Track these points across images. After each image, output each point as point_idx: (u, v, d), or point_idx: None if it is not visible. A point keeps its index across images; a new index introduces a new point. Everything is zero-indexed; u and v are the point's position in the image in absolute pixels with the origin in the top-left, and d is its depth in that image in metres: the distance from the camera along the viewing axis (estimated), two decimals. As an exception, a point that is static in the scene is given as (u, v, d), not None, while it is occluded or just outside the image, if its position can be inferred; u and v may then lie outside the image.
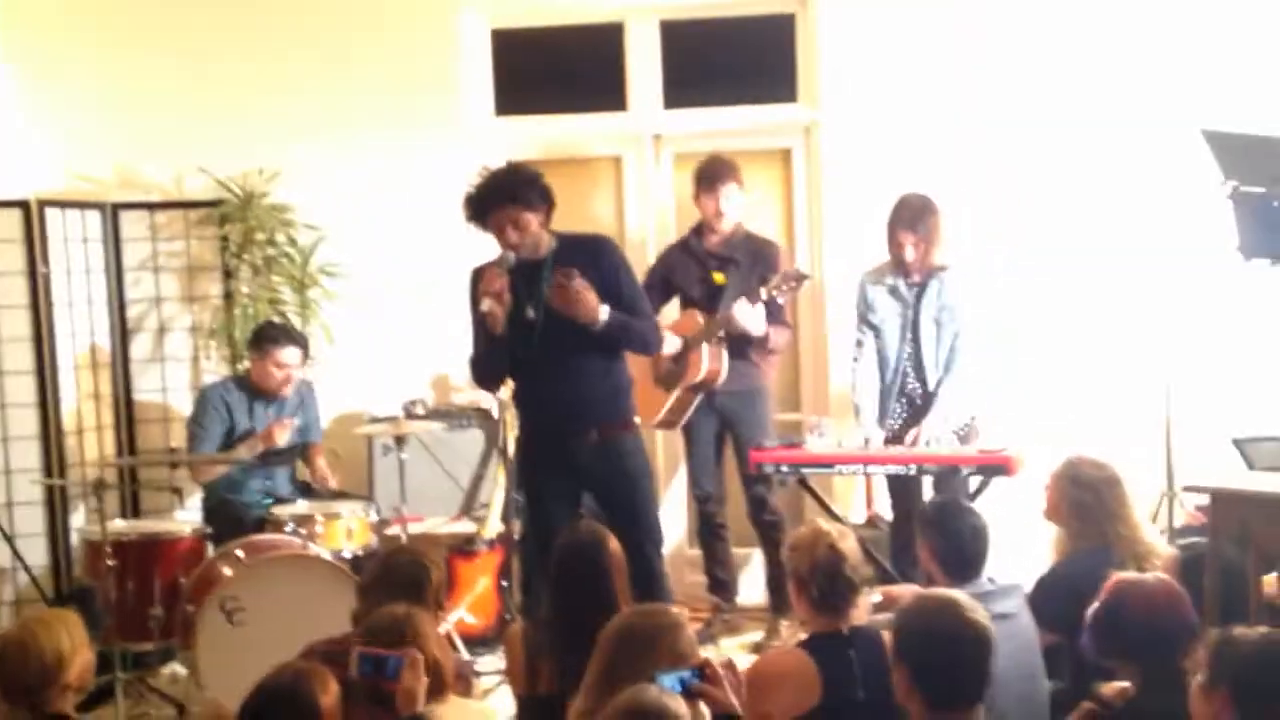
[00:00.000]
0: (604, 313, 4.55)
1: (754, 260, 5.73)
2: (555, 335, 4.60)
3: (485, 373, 4.82)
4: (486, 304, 4.52)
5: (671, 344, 5.66)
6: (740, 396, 5.73)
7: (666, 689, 2.78)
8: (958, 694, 2.99)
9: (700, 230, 5.85)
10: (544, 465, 4.79)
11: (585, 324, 4.53)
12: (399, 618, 3.29)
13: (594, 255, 4.67)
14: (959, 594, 3.16)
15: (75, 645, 3.37)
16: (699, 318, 5.72)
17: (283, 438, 5.69)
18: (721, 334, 5.62)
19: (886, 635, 3.30)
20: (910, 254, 5.37)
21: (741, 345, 5.65)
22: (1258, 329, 5.65)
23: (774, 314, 5.62)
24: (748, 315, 5.47)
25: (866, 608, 3.68)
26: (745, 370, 5.70)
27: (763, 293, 5.47)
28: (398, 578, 3.75)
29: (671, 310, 5.98)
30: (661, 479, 6.31)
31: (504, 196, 4.56)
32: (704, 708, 2.94)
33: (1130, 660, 3.48)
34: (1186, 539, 4.74)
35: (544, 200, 4.61)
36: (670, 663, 2.99)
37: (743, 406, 5.73)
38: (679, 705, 2.69)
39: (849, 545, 3.66)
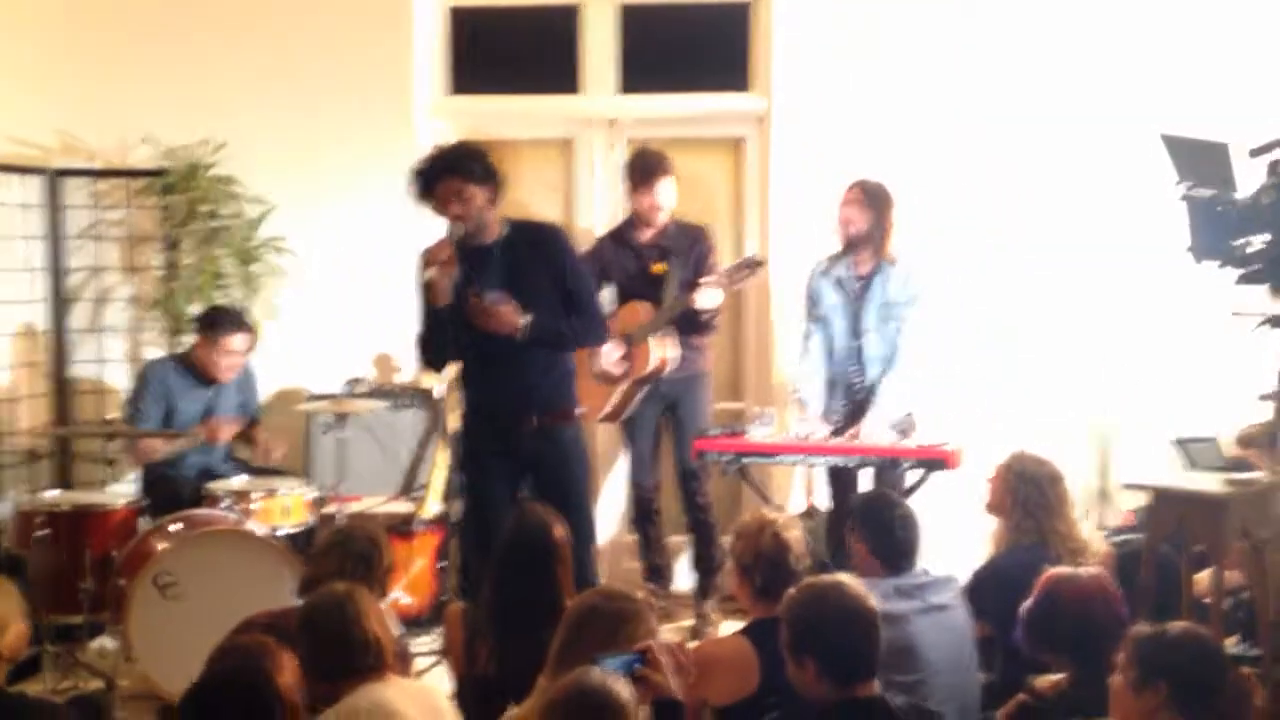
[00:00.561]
0: (524, 321, 4.55)
1: (689, 246, 5.77)
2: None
3: (431, 349, 4.76)
4: (431, 272, 4.50)
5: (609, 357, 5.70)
6: (683, 382, 5.77)
7: (610, 671, 2.78)
8: (858, 669, 3.06)
9: (633, 223, 5.85)
10: (485, 448, 4.78)
11: (507, 335, 4.53)
12: (340, 596, 3.27)
13: (542, 245, 4.69)
14: (841, 576, 3.21)
15: (8, 615, 3.32)
16: (640, 311, 5.72)
17: (226, 437, 5.65)
18: (668, 323, 5.63)
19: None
20: (855, 229, 5.39)
21: (686, 329, 5.66)
22: (1202, 330, 5.71)
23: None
24: (709, 298, 5.51)
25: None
26: (688, 356, 5.73)
27: (715, 278, 5.48)
28: (350, 550, 3.75)
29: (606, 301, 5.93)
30: (599, 466, 6.32)
31: (447, 168, 4.56)
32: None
33: (1062, 654, 3.54)
34: (1120, 537, 4.81)
35: (489, 176, 4.59)
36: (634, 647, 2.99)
37: (685, 392, 5.77)
38: (622, 688, 2.69)
39: (794, 535, 3.69)
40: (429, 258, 4.55)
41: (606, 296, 5.86)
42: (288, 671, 2.83)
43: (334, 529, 4.03)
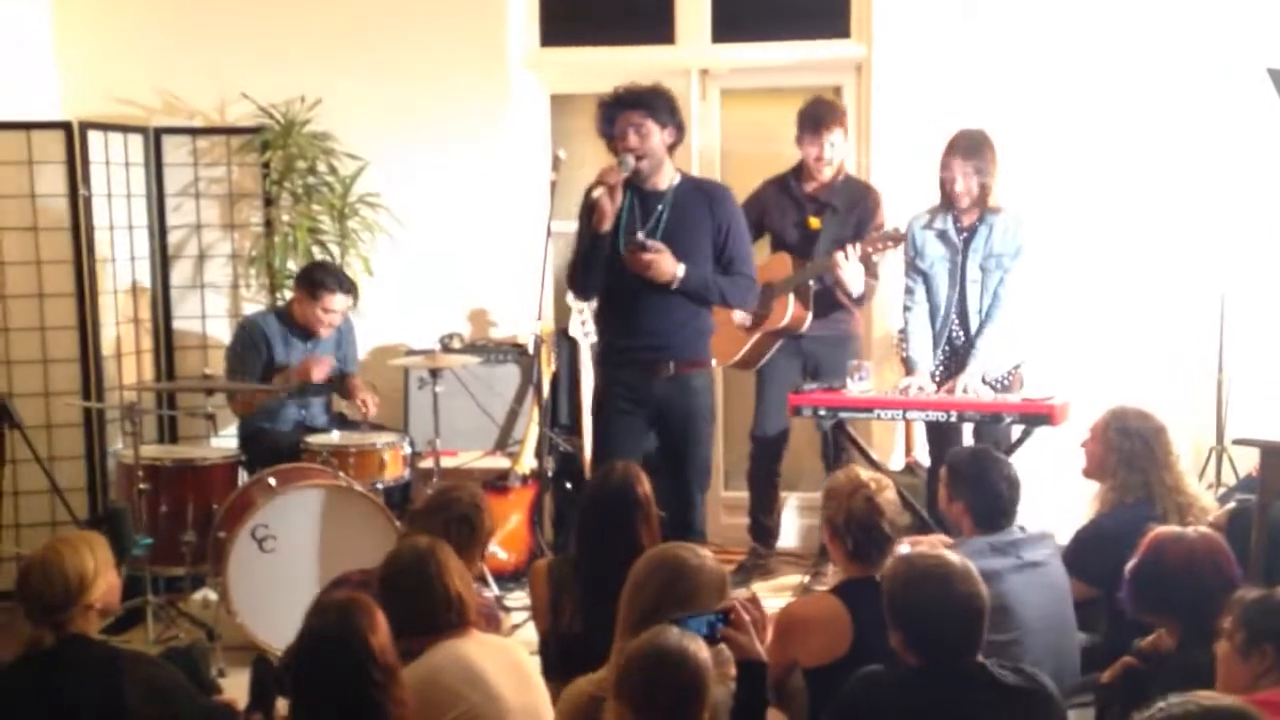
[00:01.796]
0: (680, 272, 4.63)
1: (851, 206, 5.62)
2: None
3: (581, 276, 4.83)
4: (598, 191, 4.60)
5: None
6: (828, 342, 5.63)
7: (690, 632, 2.72)
8: (952, 654, 2.94)
9: (799, 172, 5.71)
10: (619, 393, 4.83)
11: (663, 283, 4.62)
12: (422, 551, 3.26)
13: (710, 203, 4.78)
14: (951, 559, 3.06)
15: (99, 566, 3.35)
16: (789, 263, 5.60)
17: (319, 375, 5.65)
18: (812, 282, 5.52)
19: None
20: (961, 184, 5.19)
21: (832, 295, 5.55)
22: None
23: (867, 266, 5.52)
24: (851, 272, 5.39)
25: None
26: (837, 315, 5.62)
27: (856, 249, 5.35)
28: (453, 513, 3.73)
29: (760, 251, 5.82)
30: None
31: (633, 102, 4.67)
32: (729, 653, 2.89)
33: (1169, 615, 3.41)
34: (1237, 496, 4.63)
35: (671, 119, 4.69)
36: (704, 606, 2.93)
37: (830, 352, 5.61)
38: (700, 649, 2.63)
39: (886, 497, 3.58)
40: (600, 177, 4.64)
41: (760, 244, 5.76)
42: (382, 629, 2.80)
43: (436, 490, 4.02)
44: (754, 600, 3.01)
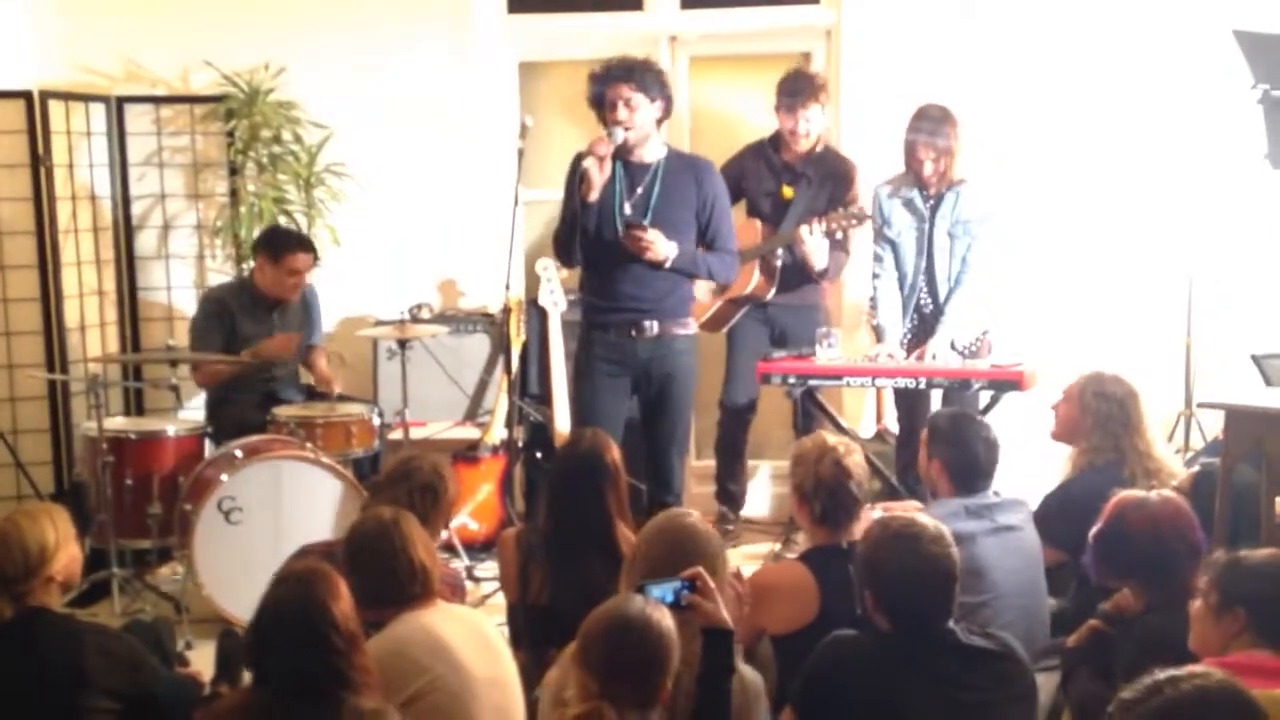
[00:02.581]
0: (671, 251, 4.71)
1: (825, 179, 5.59)
2: None
3: (566, 243, 4.87)
4: (588, 161, 4.67)
5: None
6: (795, 311, 5.62)
7: (654, 600, 2.71)
8: (924, 618, 2.95)
9: (777, 140, 5.69)
10: (601, 356, 4.88)
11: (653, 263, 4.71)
12: (384, 522, 3.23)
13: (696, 177, 4.85)
14: (923, 521, 3.07)
15: (60, 539, 3.31)
16: (759, 231, 5.59)
17: (285, 347, 5.61)
18: (780, 252, 5.50)
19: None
20: (929, 168, 5.22)
21: (801, 268, 5.54)
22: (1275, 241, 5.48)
23: (835, 240, 5.51)
24: (814, 247, 5.38)
25: (867, 522, 3.58)
26: (805, 288, 5.60)
27: (820, 224, 5.35)
28: (415, 482, 3.71)
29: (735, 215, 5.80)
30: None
31: (622, 75, 4.71)
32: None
33: (1132, 580, 3.41)
34: (1203, 460, 4.65)
35: (661, 92, 4.74)
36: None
37: (796, 321, 5.61)
38: (664, 617, 2.62)
39: (854, 460, 3.58)
40: (589, 147, 4.70)
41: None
42: (344, 598, 2.77)
43: (397, 459, 4.00)
44: (737, 575, 3.00)
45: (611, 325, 4.86)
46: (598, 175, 4.67)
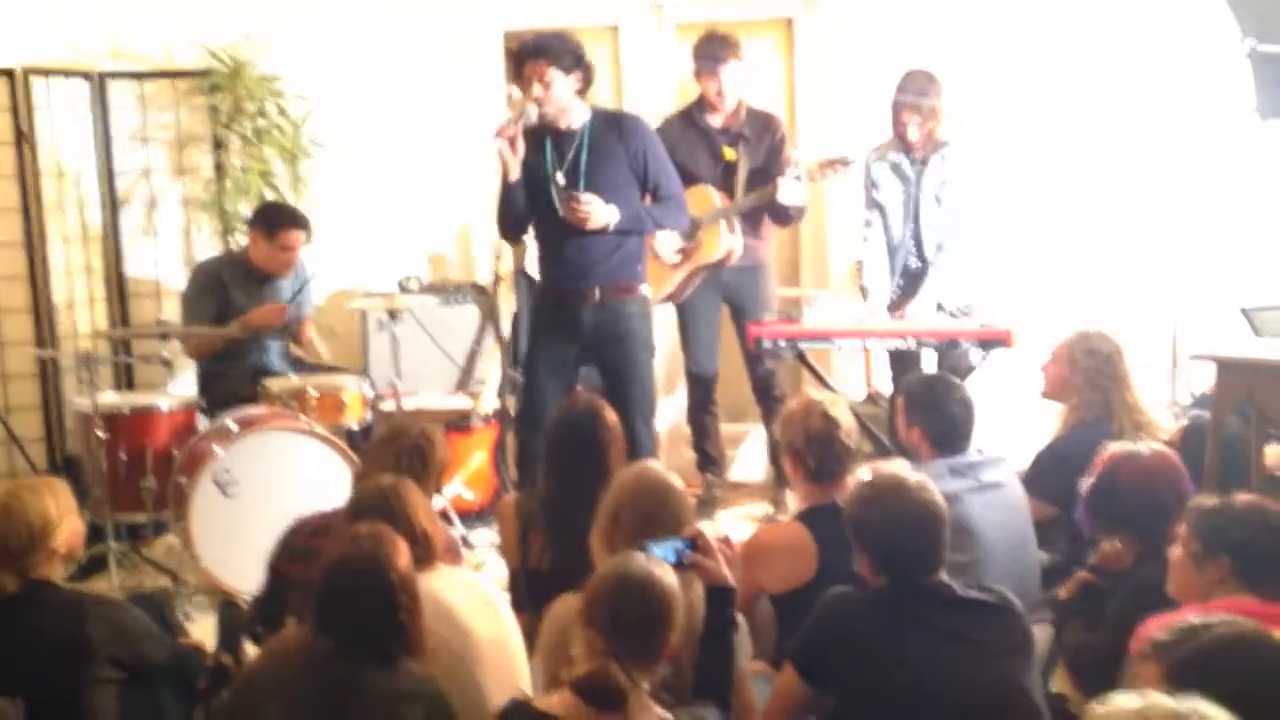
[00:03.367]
0: (612, 216, 4.71)
1: (760, 135, 5.61)
2: None
3: (501, 217, 4.93)
4: (496, 143, 4.71)
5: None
6: (747, 272, 5.64)
7: (656, 557, 2.74)
8: (916, 569, 2.98)
9: (702, 105, 5.70)
10: (547, 328, 4.93)
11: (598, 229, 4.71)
12: (385, 489, 3.25)
13: (621, 134, 4.82)
14: (906, 472, 3.11)
15: (62, 511, 3.33)
16: (713, 195, 5.57)
17: (279, 321, 5.61)
18: (741, 212, 5.50)
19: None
20: (914, 133, 5.26)
21: (762, 219, 5.56)
22: (1272, 194, 5.51)
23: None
24: (795, 194, 5.38)
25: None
26: (751, 245, 5.61)
27: (804, 175, 5.35)
28: (402, 445, 3.73)
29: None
30: (663, 353, 6.27)
31: (536, 50, 4.73)
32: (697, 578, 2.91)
33: (1124, 533, 3.46)
34: (1193, 412, 4.70)
35: (576, 65, 4.73)
36: (673, 530, 2.96)
37: (749, 282, 5.64)
38: (667, 574, 2.65)
39: (841, 412, 3.61)
40: (497, 132, 4.73)
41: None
42: (408, 560, 2.87)
43: (386, 425, 4.02)
44: (726, 540, 3.03)
45: (556, 294, 4.89)
46: (510, 155, 4.71)
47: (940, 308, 5.34)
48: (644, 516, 2.98)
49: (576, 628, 2.61)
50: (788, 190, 5.36)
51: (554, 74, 4.69)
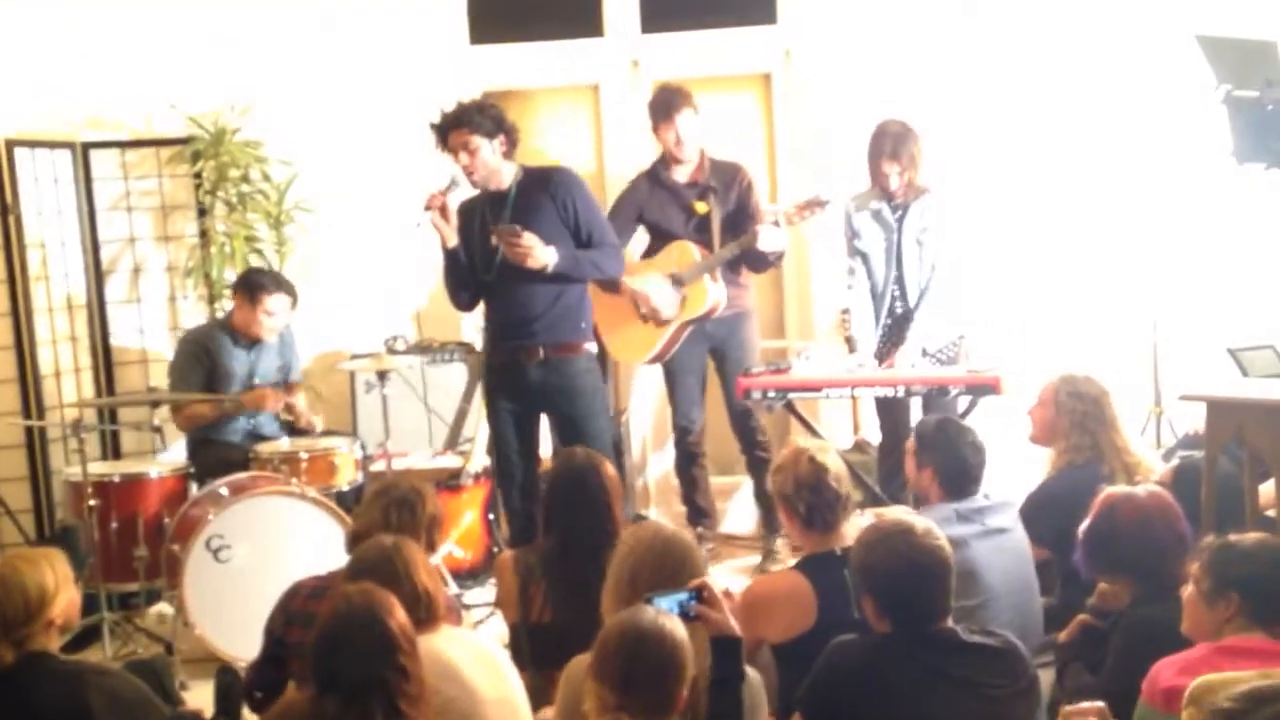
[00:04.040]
0: (551, 257, 4.75)
1: (729, 183, 5.65)
2: (511, 263, 4.79)
3: (448, 288, 5.04)
4: (428, 216, 4.85)
5: (654, 281, 5.59)
6: (728, 322, 5.66)
7: (663, 611, 2.74)
8: (924, 616, 2.99)
9: (665, 162, 5.72)
10: (499, 387, 4.99)
11: (536, 270, 4.75)
12: (387, 548, 3.25)
13: (547, 186, 4.88)
14: (913, 519, 3.13)
15: (59, 582, 3.30)
16: (691, 250, 5.60)
17: (272, 407, 5.62)
18: (724, 263, 5.53)
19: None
20: (894, 182, 5.33)
21: (743, 266, 5.60)
22: (1249, 237, 5.59)
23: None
24: (773, 240, 5.41)
25: (857, 529, 3.64)
26: (733, 294, 5.63)
27: (782, 219, 5.39)
28: (392, 497, 3.73)
29: (638, 243, 5.83)
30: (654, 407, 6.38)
31: (455, 122, 4.83)
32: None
33: (1123, 574, 3.47)
34: (1181, 453, 4.73)
35: (497, 129, 4.82)
36: (690, 575, 2.97)
37: (731, 333, 5.67)
38: (677, 627, 2.66)
39: (830, 458, 3.63)
40: (426, 203, 4.87)
41: (639, 238, 5.82)
42: (403, 613, 2.85)
43: (377, 483, 4.01)
44: (727, 593, 3.04)
45: (502, 356, 4.94)
46: (442, 223, 4.85)
47: (925, 352, 5.38)
48: (667, 577, 2.97)
49: (588, 683, 2.60)
50: (767, 237, 5.40)
51: (477, 141, 4.78)
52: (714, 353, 5.74)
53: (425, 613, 3.19)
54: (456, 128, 4.80)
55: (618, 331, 5.66)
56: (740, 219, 5.54)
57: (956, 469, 3.95)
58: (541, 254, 4.74)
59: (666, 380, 5.87)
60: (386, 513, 3.65)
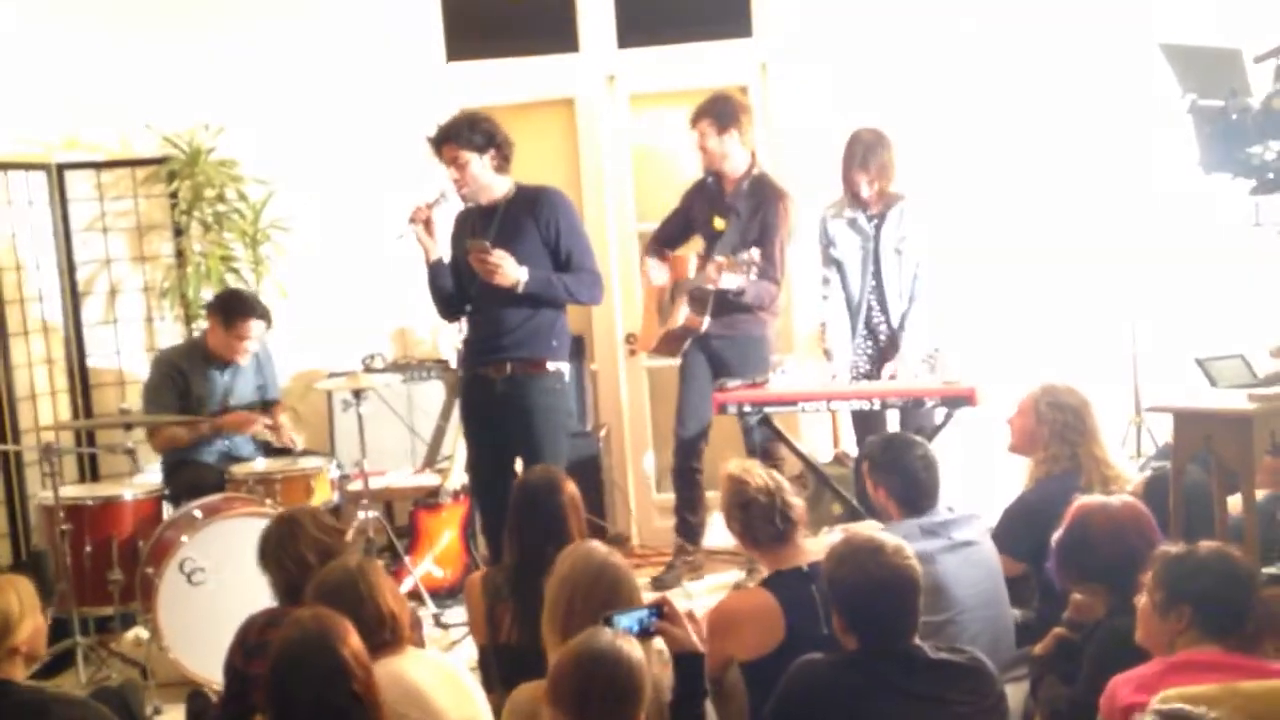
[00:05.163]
0: (523, 275, 4.77)
1: (755, 210, 5.59)
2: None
3: (433, 298, 5.08)
4: (412, 229, 4.91)
5: (655, 279, 5.79)
6: (733, 343, 5.62)
7: (622, 630, 2.72)
8: (890, 634, 2.98)
9: (719, 172, 5.72)
10: (471, 404, 5.04)
11: (508, 288, 4.77)
12: (351, 571, 3.22)
13: (534, 207, 4.90)
14: (884, 536, 3.13)
15: (24, 609, 3.28)
16: (689, 266, 5.64)
17: (250, 431, 5.59)
18: (707, 288, 5.52)
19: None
20: (865, 191, 5.33)
21: (723, 300, 5.55)
22: (1219, 247, 5.58)
23: (765, 269, 5.47)
24: (726, 278, 5.39)
25: (827, 546, 3.61)
26: (738, 317, 5.59)
27: (718, 266, 5.36)
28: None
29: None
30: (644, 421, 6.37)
31: (446, 135, 4.86)
32: (662, 645, 2.90)
33: (1096, 584, 3.45)
34: (1155, 464, 4.71)
35: (488, 144, 4.83)
36: (626, 601, 2.94)
37: (734, 353, 5.62)
38: (634, 649, 2.63)
39: (753, 472, 3.61)
40: (410, 217, 4.92)
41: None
42: (355, 635, 2.82)
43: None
44: (690, 615, 3.01)
45: (473, 371, 4.97)
46: (426, 237, 4.91)
47: (905, 361, 5.37)
48: (600, 603, 2.94)
49: (543, 707, 2.58)
50: (722, 282, 5.39)
51: (467, 155, 4.79)
52: (718, 371, 5.64)
53: (390, 635, 3.18)
54: (447, 142, 4.83)
55: (647, 315, 5.89)
56: (760, 243, 5.45)
57: (909, 486, 3.94)
58: (512, 271, 4.75)
59: (679, 386, 5.84)
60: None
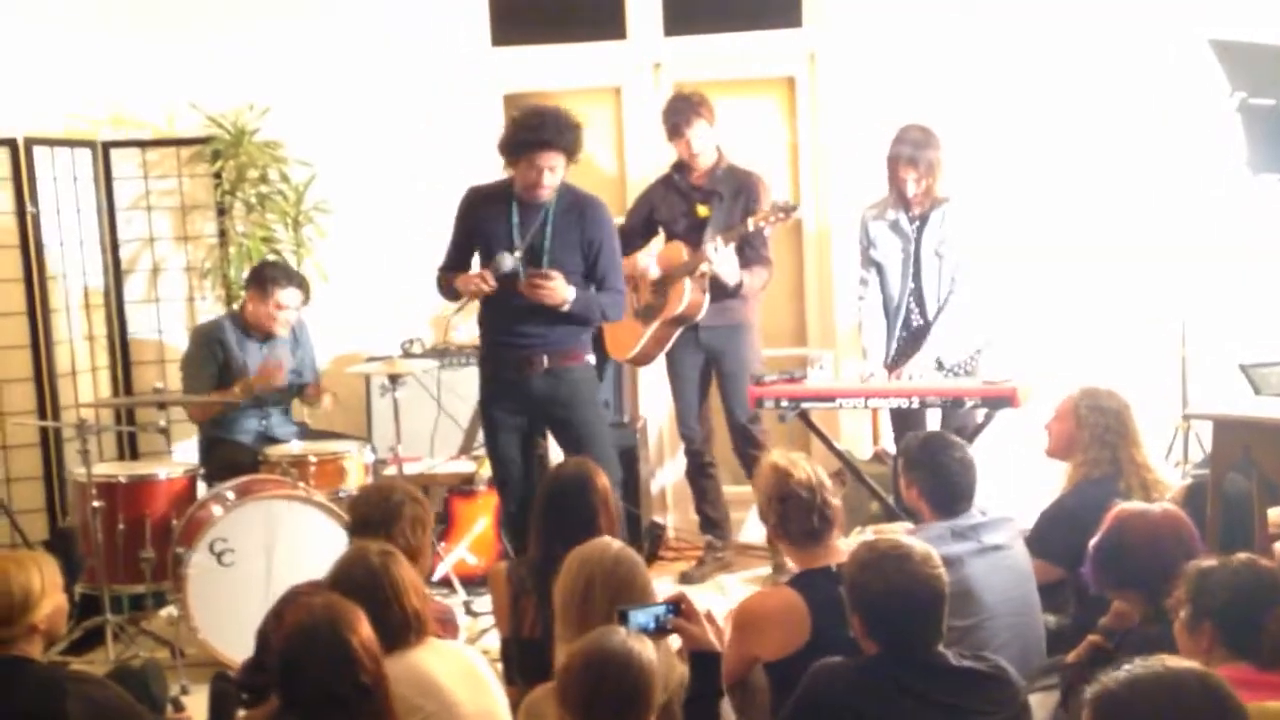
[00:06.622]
0: (570, 295, 4.73)
1: (736, 193, 5.64)
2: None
3: (442, 292, 5.06)
4: (467, 287, 4.81)
5: (653, 272, 5.68)
6: (724, 331, 5.64)
7: (635, 629, 2.67)
8: (912, 643, 2.91)
9: (681, 166, 5.75)
10: (499, 397, 4.96)
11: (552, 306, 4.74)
12: (374, 567, 3.17)
13: (583, 218, 4.83)
14: (912, 542, 3.05)
15: (46, 587, 3.26)
16: (683, 250, 5.62)
17: (281, 379, 5.58)
18: (704, 267, 5.50)
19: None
20: (912, 189, 5.24)
21: (719, 288, 5.54)
22: (1267, 249, 5.45)
23: (754, 251, 5.55)
24: (723, 262, 5.41)
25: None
26: (729, 305, 5.60)
27: (750, 224, 5.39)
28: (369, 498, 3.73)
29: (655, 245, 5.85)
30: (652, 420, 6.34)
31: (549, 142, 4.65)
32: (678, 642, 2.85)
33: (1132, 590, 3.37)
34: (1197, 471, 4.61)
35: (579, 148, 4.76)
36: (639, 598, 2.89)
37: (727, 341, 5.64)
38: (645, 649, 2.57)
39: (799, 465, 3.54)
40: (475, 284, 4.77)
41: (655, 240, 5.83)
42: (366, 624, 2.78)
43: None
44: (709, 616, 2.95)
45: (505, 362, 4.89)
46: (470, 292, 4.81)
47: (940, 365, 5.27)
48: (615, 594, 2.90)
49: (551, 707, 2.53)
50: (718, 259, 5.37)
51: (561, 161, 4.69)
52: (710, 362, 5.70)
53: (414, 635, 3.13)
54: (549, 147, 4.63)
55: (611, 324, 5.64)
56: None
57: (944, 487, 3.86)
58: (561, 291, 4.72)
59: (671, 388, 5.87)
60: (363, 519, 3.62)
